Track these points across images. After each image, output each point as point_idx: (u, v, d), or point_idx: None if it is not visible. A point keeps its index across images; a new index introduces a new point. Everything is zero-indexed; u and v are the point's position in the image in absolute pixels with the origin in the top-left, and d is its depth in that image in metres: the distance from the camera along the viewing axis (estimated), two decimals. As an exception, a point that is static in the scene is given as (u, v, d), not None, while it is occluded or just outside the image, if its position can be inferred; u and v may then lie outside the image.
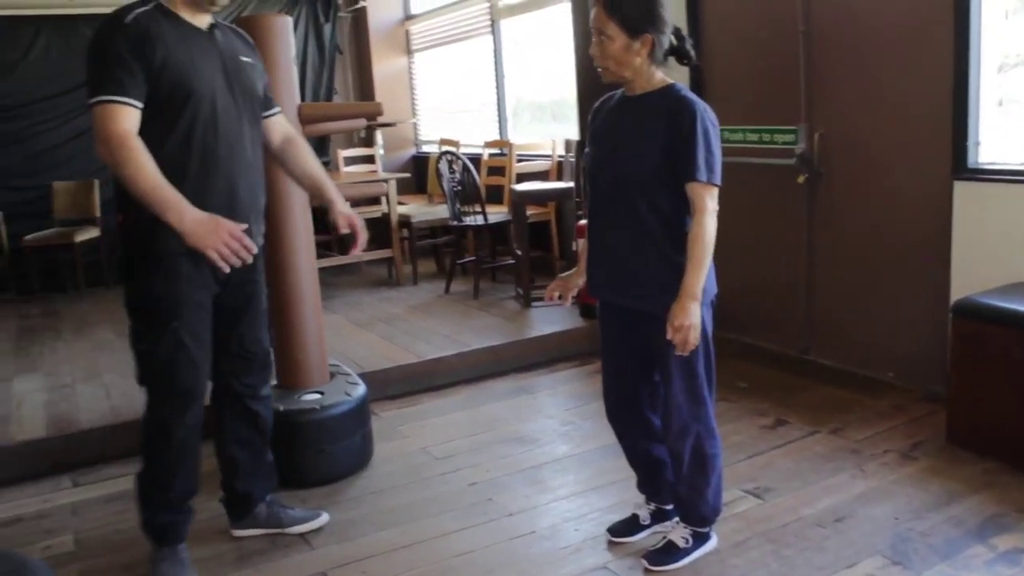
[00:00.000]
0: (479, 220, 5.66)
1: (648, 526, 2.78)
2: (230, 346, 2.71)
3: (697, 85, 4.84)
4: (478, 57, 7.05)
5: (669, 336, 2.30)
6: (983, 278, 3.51)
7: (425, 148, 8.04)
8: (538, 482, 3.27)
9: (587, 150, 2.59)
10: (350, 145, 7.96)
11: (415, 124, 8.21)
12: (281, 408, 3.34)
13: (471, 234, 6.15)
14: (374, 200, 6.66)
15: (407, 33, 8.08)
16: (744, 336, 4.84)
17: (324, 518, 3.03)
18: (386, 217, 6.37)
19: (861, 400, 3.86)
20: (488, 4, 6.69)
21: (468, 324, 5.08)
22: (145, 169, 2.26)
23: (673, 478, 2.66)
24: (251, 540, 2.96)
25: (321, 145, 7.94)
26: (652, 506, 2.79)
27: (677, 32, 2.41)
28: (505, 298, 5.67)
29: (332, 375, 3.70)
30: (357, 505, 3.19)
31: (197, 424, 2.62)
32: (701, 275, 2.31)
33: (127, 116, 2.27)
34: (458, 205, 5.72)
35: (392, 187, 6.27)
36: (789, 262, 4.50)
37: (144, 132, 2.31)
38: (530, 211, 5.81)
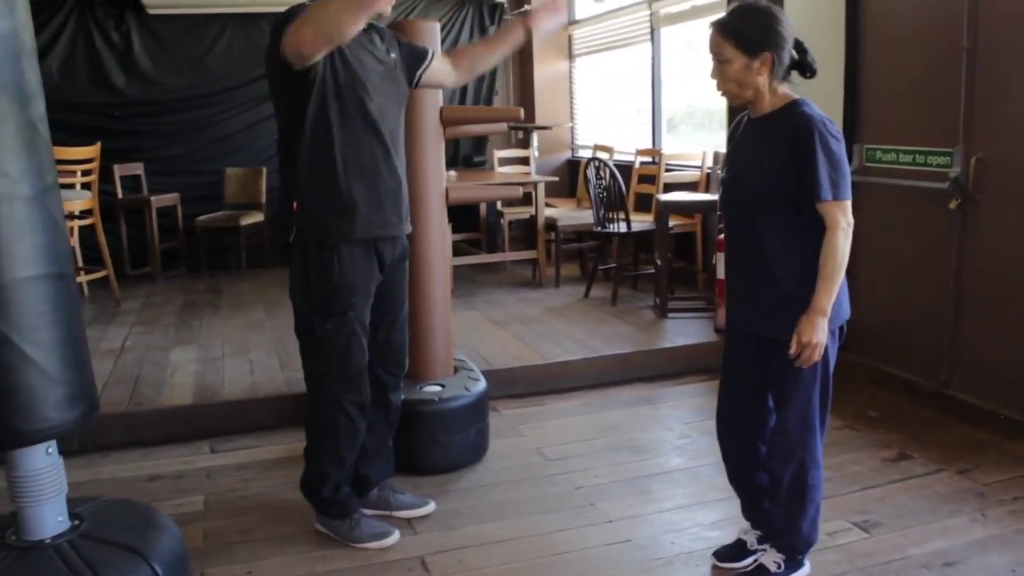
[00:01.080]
0: (622, 227, 5.68)
1: (754, 552, 2.73)
2: (378, 334, 2.90)
3: (852, 101, 4.71)
4: (637, 64, 7.06)
5: (793, 350, 2.29)
6: None
7: (581, 153, 8.11)
8: (644, 492, 3.29)
9: (721, 175, 2.59)
10: (507, 146, 8.12)
11: (572, 128, 8.28)
12: (402, 397, 3.50)
13: (615, 240, 6.17)
14: (525, 201, 6.77)
15: (570, 38, 8.17)
16: (883, 364, 4.66)
17: (431, 507, 3.16)
18: (533, 219, 6.48)
19: (999, 442, 3.65)
20: (649, 12, 6.68)
21: (601, 330, 5.12)
22: None
23: (770, 503, 2.63)
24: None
25: (478, 145, 8.16)
26: (758, 532, 2.75)
27: (799, 46, 2.38)
28: (643, 307, 5.67)
29: (456, 369, 3.83)
30: (465, 496, 3.30)
31: (367, 403, 2.86)
32: (831, 292, 2.29)
33: None
34: (603, 211, 5.76)
35: (540, 189, 6.37)
36: (935, 290, 4.30)
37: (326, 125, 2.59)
38: (675, 221, 5.78)
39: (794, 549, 2.58)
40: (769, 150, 2.35)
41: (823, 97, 4.53)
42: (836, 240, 2.28)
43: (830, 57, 4.68)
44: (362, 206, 2.66)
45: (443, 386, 3.61)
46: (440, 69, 2.96)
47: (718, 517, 3.05)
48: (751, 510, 2.75)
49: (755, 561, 2.65)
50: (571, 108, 8.25)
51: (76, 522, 2.53)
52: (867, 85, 4.66)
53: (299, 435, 3.79)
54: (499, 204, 7.40)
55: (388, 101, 2.72)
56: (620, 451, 3.68)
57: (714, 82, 2.41)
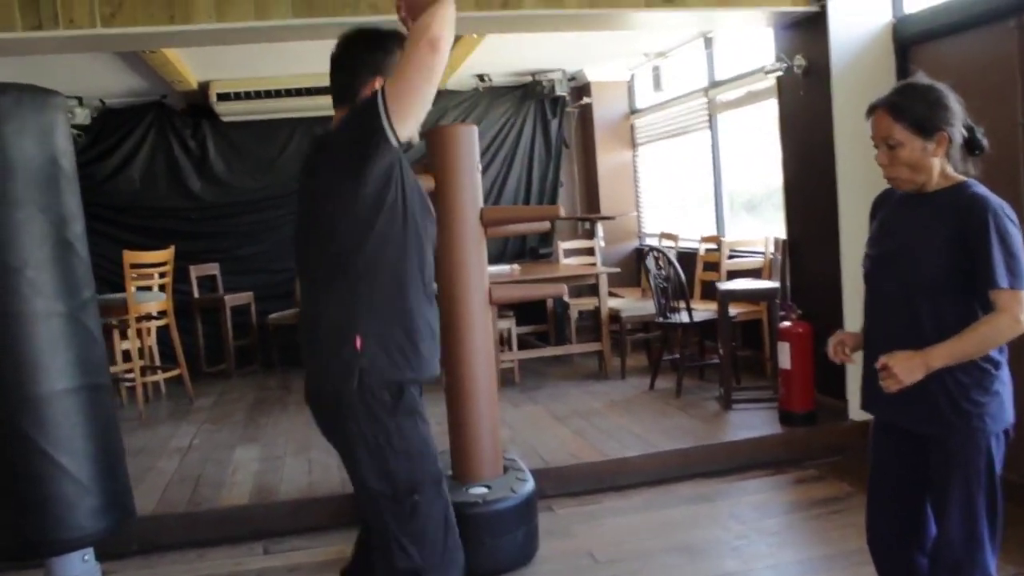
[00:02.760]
0: (684, 317, 5.58)
1: None
2: None
3: None
4: (697, 151, 7.04)
5: (878, 364, 2.11)
6: None
7: (648, 240, 8.05)
8: (697, 599, 3.14)
9: (866, 251, 2.41)
10: (574, 237, 8.13)
11: (638, 217, 8.26)
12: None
13: (680, 330, 6.05)
14: (590, 292, 6.72)
15: (632, 127, 8.21)
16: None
17: None
18: (599, 310, 6.42)
19: None
20: (706, 99, 6.68)
21: (663, 423, 4.99)
22: None
23: None
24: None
25: (545, 237, 8.18)
26: None
27: (968, 126, 2.22)
28: (708, 398, 5.52)
29: (506, 469, 3.76)
30: (509, 603, 3.20)
31: None
32: (956, 356, 2.08)
33: None
34: (664, 301, 5.68)
35: (603, 280, 6.33)
36: None
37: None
38: (739, 309, 5.66)
39: None
40: (936, 231, 2.18)
41: (1001, 178, 4.43)
42: (1000, 322, 2.07)
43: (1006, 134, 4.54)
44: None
45: (489, 487, 3.54)
46: None
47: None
48: None
49: None
50: (636, 197, 8.24)
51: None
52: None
53: (348, 536, 3.79)
54: (565, 296, 7.36)
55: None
56: (673, 553, 3.53)
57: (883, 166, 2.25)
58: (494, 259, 7.60)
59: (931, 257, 2.17)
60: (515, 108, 8.18)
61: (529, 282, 6.03)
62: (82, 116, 7.16)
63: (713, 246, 6.47)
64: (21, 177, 2.34)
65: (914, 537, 2.35)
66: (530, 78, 7.95)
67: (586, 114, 8.32)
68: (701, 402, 5.44)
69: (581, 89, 8.29)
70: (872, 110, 2.23)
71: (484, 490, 3.52)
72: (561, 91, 7.97)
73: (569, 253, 7.61)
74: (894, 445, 2.34)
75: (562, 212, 3.60)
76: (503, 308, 6.43)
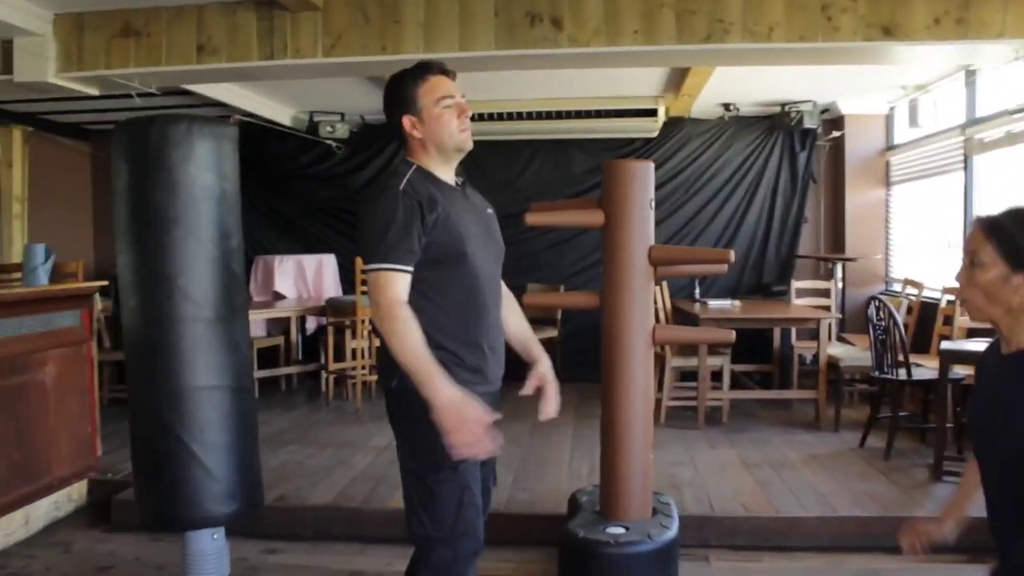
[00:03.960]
0: (902, 374, 5.15)
1: None
2: None
3: None
4: (952, 193, 6.45)
5: None
6: None
7: (895, 286, 7.49)
8: None
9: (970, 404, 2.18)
10: (815, 276, 7.74)
11: (885, 260, 7.70)
12: (580, 534, 3.43)
13: (899, 387, 5.58)
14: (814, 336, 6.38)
15: (887, 164, 7.66)
16: None
17: None
18: (817, 356, 6.08)
19: None
20: (962, 137, 6.11)
21: (857, 486, 4.63)
22: (409, 339, 2.29)
23: None
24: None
25: (783, 274, 7.86)
26: None
27: None
28: (920, 464, 5.05)
29: (655, 512, 3.67)
30: (623, 652, 3.13)
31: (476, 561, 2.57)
32: None
33: (399, 283, 2.33)
34: (881, 353, 5.28)
35: (824, 324, 5.99)
36: None
37: (424, 289, 2.39)
38: (966, 371, 5.12)
39: None
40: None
41: None
42: None
43: None
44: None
45: (628, 528, 3.47)
46: None
47: None
48: None
49: None
50: (886, 239, 7.68)
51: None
52: None
53: (498, 554, 3.90)
54: (793, 338, 7.03)
55: (486, 256, 2.60)
56: (819, 629, 3.29)
57: (957, 285, 2.03)
58: (728, 293, 7.48)
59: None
60: (762, 139, 7.93)
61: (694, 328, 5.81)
62: (342, 131, 7.82)
63: (953, 298, 5.92)
64: (183, 198, 2.64)
65: None
66: (779, 108, 7.67)
67: (838, 148, 7.89)
68: (910, 468, 4.99)
69: (834, 122, 7.89)
70: (974, 222, 1.97)
71: (621, 531, 3.46)
72: (811, 123, 7.61)
73: (803, 293, 7.25)
74: None
75: (732, 257, 3.44)
76: (717, 345, 6.25)
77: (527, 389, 2.68)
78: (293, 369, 7.51)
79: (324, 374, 7.10)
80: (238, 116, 6.77)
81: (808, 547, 4.06)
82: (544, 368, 2.72)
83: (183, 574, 2.81)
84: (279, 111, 7.64)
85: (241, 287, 2.85)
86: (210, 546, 2.80)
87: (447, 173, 2.55)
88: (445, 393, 2.25)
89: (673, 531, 3.51)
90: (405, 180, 2.41)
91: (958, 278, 1.99)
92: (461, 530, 2.45)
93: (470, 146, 2.54)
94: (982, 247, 1.91)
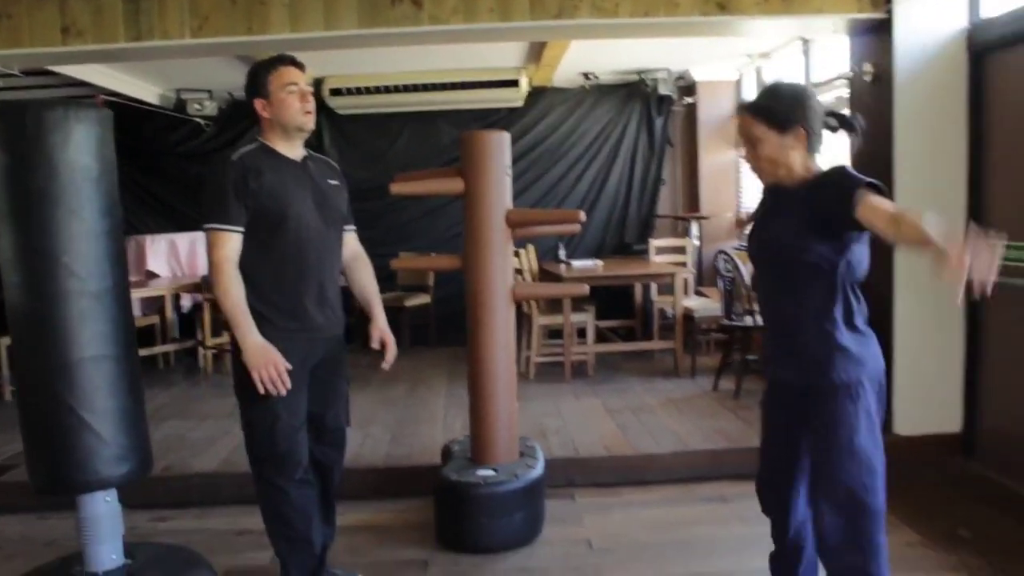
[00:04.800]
0: (748, 321, 5.61)
1: None
2: (312, 420, 3.08)
3: (976, 196, 4.48)
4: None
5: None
6: None
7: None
8: (668, 592, 3.28)
9: (748, 234, 2.65)
10: (672, 235, 8.20)
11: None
12: (452, 477, 3.72)
13: (744, 333, 6.05)
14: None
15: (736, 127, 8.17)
16: (1007, 479, 4.30)
17: None
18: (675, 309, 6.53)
19: (1096, 576, 3.30)
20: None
21: (708, 424, 5.07)
22: (231, 293, 2.80)
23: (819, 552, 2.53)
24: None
25: (642, 233, 8.30)
26: None
27: (835, 115, 2.43)
28: (765, 402, 5.54)
29: (522, 455, 3.99)
30: (493, 579, 3.44)
31: (309, 482, 3.03)
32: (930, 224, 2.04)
33: (229, 242, 2.82)
34: (730, 303, 5.73)
35: (679, 279, 6.43)
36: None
37: (253, 247, 2.85)
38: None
39: None
40: (801, 207, 2.35)
41: (944, 190, 4.43)
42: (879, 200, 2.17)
43: (951, 147, 4.50)
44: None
45: (496, 471, 3.77)
46: (347, 243, 3.25)
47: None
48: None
49: None
50: (738, 197, 8.21)
51: (129, 561, 2.99)
52: (992, 179, 4.41)
53: (378, 506, 4.13)
54: (654, 293, 7.47)
55: (316, 220, 2.99)
56: (669, 547, 3.66)
57: (748, 162, 2.49)
58: (592, 253, 7.86)
59: (797, 230, 2.33)
60: (621, 106, 8.31)
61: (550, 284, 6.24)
62: (210, 108, 7.83)
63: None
64: (63, 180, 2.77)
65: (800, 488, 2.56)
66: (636, 77, 8.05)
67: (691, 113, 8.35)
68: (756, 405, 5.40)
69: (687, 88, 8.33)
70: (736, 112, 2.42)
71: (491, 473, 3.76)
72: (666, 90, 8.05)
73: (662, 251, 7.69)
74: (781, 400, 2.55)
75: (583, 217, 3.77)
76: (581, 300, 6.60)
77: (373, 343, 3.25)
78: (170, 347, 7.51)
79: (202, 350, 7.16)
80: (103, 96, 6.71)
81: (664, 480, 4.46)
82: (380, 324, 3.28)
83: (79, 539, 2.94)
84: (145, 90, 7.56)
85: (123, 261, 3.00)
86: (104, 509, 2.95)
87: (290, 149, 2.97)
88: (251, 339, 2.79)
89: (539, 470, 3.84)
90: (239, 153, 2.87)
91: (745, 159, 2.45)
92: (281, 451, 2.91)
93: (311, 126, 2.96)
94: (753, 127, 2.37)
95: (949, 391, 4.60)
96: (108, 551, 2.97)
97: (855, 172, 2.28)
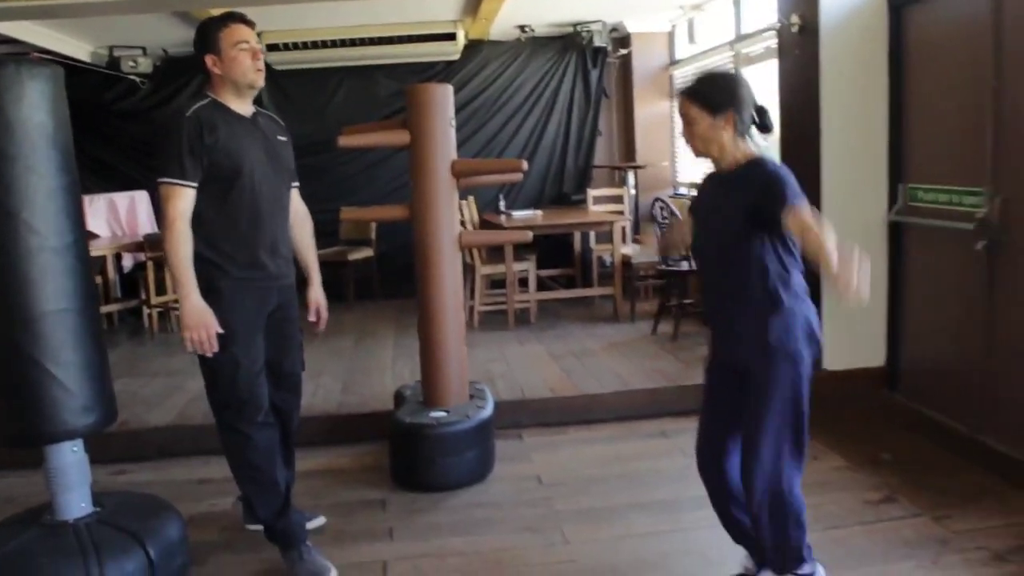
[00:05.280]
0: (684, 266, 5.83)
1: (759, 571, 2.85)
2: (271, 366, 3.20)
3: (896, 140, 4.71)
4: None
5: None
6: None
7: (682, 191, 8.24)
8: (615, 519, 3.48)
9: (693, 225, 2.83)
10: (610, 185, 8.38)
11: (672, 167, 8.44)
12: (406, 420, 3.88)
13: (690, 279, 6.29)
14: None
15: (671, 78, 8.34)
16: (925, 407, 4.60)
17: (320, 520, 3.54)
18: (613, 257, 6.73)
19: (1002, 491, 3.57)
20: (732, 52, 6.81)
21: (648, 365, 5.30)
22: (180, 251, 2.86)
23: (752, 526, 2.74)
24: (348, 526, 3.53)
25: (580, 183, 8.46)
26: (753, 559, 2.87)
27: (759, 108, 2.64)
28: (701, 343, 5.77)
29: (472, 397, 4.15)
30: (450, 512, 3.61)
31: (270, 424, 3.14)
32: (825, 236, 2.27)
33: (182, 197, 2.88)
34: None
35: (617, 227, 6.62)
36: (970, 334, 4.23)
37: (208, 199, 2.92)
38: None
39: (795, 566, 2.69)
40: (735, 196, 2.55)
41: (869, 136, 4.65)
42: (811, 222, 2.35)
43: (873, 94, 4.72)
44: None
45: (448, 412, 3.93)
46: (291, 200, 3.29)
47: (671, 549, 3.21)
48: (741, 537, 2.89)
49: None
50: (672, 147, 8.41)
51: (98, 509, 3.07)
52: (911, 123, 4.65)
53: (334, 451, 4.26)
54: (592, 241, 7.66)
55: (268, 174, 3.07)
56: (614, 480, 3.87)
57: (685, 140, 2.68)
58: (532, 203, 8.01)
59: (732, 218, 2.53)
60: (557, 58, 8.40)
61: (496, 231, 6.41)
62: (145, 65, 7.72)
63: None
64: (19, 137, 2.81)
65: (734, 458, 2.74)
66: (571, 29, 8.15)
67: (626, 64, 8.49)
68: (693, 346, 5.71)
69: (622, 40, 8.46)
70: (678, 95, 2.66)
71: (443, 414, 3.92)
72: (601, 42, 8.16)
73: (599, 200, 7.87)
74: (720, 377, 2.75)
75: (525, 166, 3.91)
76: (522, 250, 6.77)
77: (310, 313, 3.39)
78: (113, 307, 7.48)
79: (146, 309, 7.16)
80: (36, 54, 6.59)
81: (607, 419, 4.68)
82: (316, 290, 3.42)
83: (48, 489, 3.02)
84: (77, 47, 7.42)
85: (81, 217, 3.04)
86: (71, 459, 3.02)
87: (241, 105, 3.03)
88: (191, 299, 2.88)
89: (488, 411, 4.02)
90: (193, 108, 2.91)
91: (683, 135, 2.66)
92: (243, 397, 3.03)
93: (261, 83, 3.03)
94: (690, 109, 2.60)
95: (874, 328, 4.87)
96: (77, 499, 3.04)
97: (788, 180, 2.47)
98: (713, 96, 2.56)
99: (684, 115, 2.61)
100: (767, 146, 2.74)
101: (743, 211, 2.50)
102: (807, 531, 2.68)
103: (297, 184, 3.37)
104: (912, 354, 4.77)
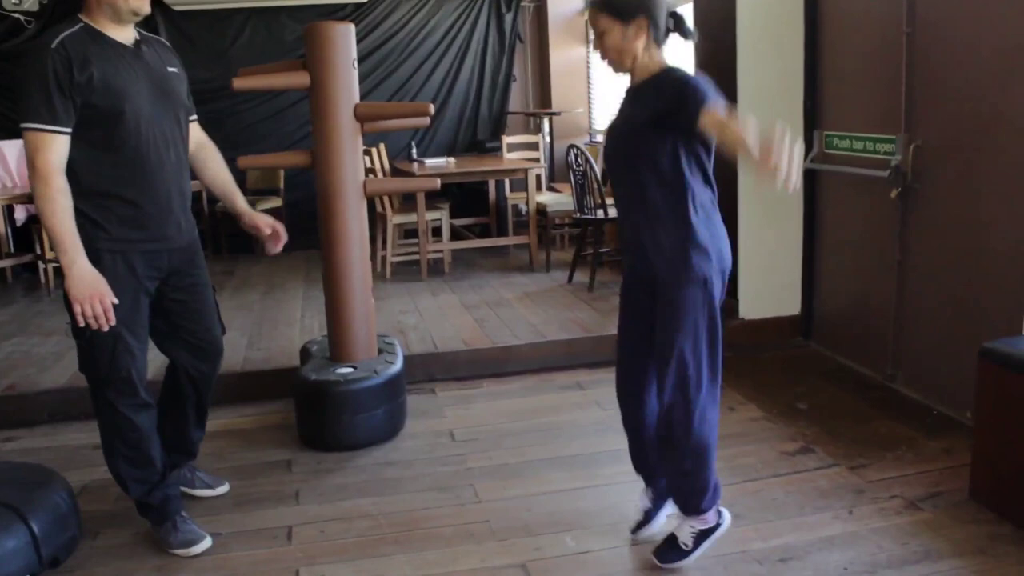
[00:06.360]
0: (600, 213, 5.73)
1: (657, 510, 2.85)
2: (181, 336, 2.95)
3: (812, 87, 4.65)
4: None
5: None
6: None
7: (599, 138, 8.14)
8: (528, 475, 3.38)
9: (605, 135, 2.71)
10: (526, 131, 8.22)
11: (588, 113, 8.31)
12: (312, 377, 3.70)
13: (606, 227, 6.20)
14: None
15: (586, 23, 8.18)
16: (839, 355, 4.62)
17: (224, 487, 3.33)
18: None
19: (914, 438, 3.59)
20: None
21: (564, 315, 5.20)
22: (58, 209, 2.48)
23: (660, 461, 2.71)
24: (252, 489, 3.34)
25: (495, 131, 8.28)
26: (653, 493, 2.85)
27: (674, 15, 2.49)
28: (616, 292, 5.68)
29: (381, 352, 3.99)
30: (358, 473, 3.46)
31: (149, 404, 2.85)
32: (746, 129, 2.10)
33: (54, 146, 2.47)
34: (581, 197, 5.83)
35: (532, 175, 6.48)
36: (883, 281, 4.24)
37: (83, 146, 2.53)
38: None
39: (698, 503, 2.66)
40: (644, 108, 2.43)
41: (785, 83, 4.58)
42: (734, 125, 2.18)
43: (789, 42, 4.64)
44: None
45: (356, 368, 3.77)
46: (191, 134, 2.96)
47: (586, 506, 3.12)
48: (642, 463, 2.85)
49: (669, 534, 2.75)
50: (588, 92, 8.27)
51: (-26, 481, 2.82)
52: (826, 71, 4.60)
53: (238, 410, 4.07)
54: (507, 190, 7.51)
55: (157, 112, 2.71)
56: (528, 435, 3.77)
57: (598, 56, 2.54)
58: (445, 151, 7.81)
59: (640, 130, 2.43)
60: (469, 2, 8.15)
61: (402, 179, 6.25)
62: (30, 2, 7.21)
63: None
64: None
65: (651, 378, 2.68)
66: (484, -30, 7.93)
67: (541, 9, 8.31)
68: (609, 295, 5.63)
69: (537, -17, 8.26)
70: (585, 5, 2.46)
71: (350, 370, 3.75)
72: (516, -15, 7.95)
73: (514, 147, 7.71)
74: (634, 293, 2.67)
75: (432, 110, 3.72)
76: (435, 199, 6.59)
77: (265, 231, 3.12)
78: (6, 263, 7.04)
79: (42, 264, 6.76)
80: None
81: (522, 371, 4.58)
82: (250, 211, 3.14)
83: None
84: (-49, -17, 6.91)
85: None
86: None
87: (121, 32, 2.62)
88: (78, 266, 2.51)
89: (398, 366, 3.86)
90: (59, 38, 2.47)
91: (596, 50, 2.51)
92: (124, 374, 2.71)
93: (146, 9, 2.62)
94: (599, 19, 2.45)
95: (789, 277, 4.86)
96: (-48, 471, 2.82)
97: (702, 82, 2.34)
98: (622, 2, 2.41)
99: (594, 26, 2.47)
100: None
101: (649, 119, 2.40)
102: (714, 470, 2.66)
103: (195, 117, 3.01)
104: (827, 302, 4.77)
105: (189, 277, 2.91)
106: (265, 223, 3.09)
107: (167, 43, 2.92)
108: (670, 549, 2.70)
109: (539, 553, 2.80)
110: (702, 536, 2.70)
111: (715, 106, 2.27)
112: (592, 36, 2.51)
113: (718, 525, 2.73)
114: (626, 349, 2.74)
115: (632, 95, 2.55)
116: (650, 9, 2.41)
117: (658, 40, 2.45)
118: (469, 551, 2.83)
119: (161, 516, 2.91)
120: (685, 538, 2.69)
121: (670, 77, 2.41)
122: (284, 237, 3.13)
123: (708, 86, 2.33)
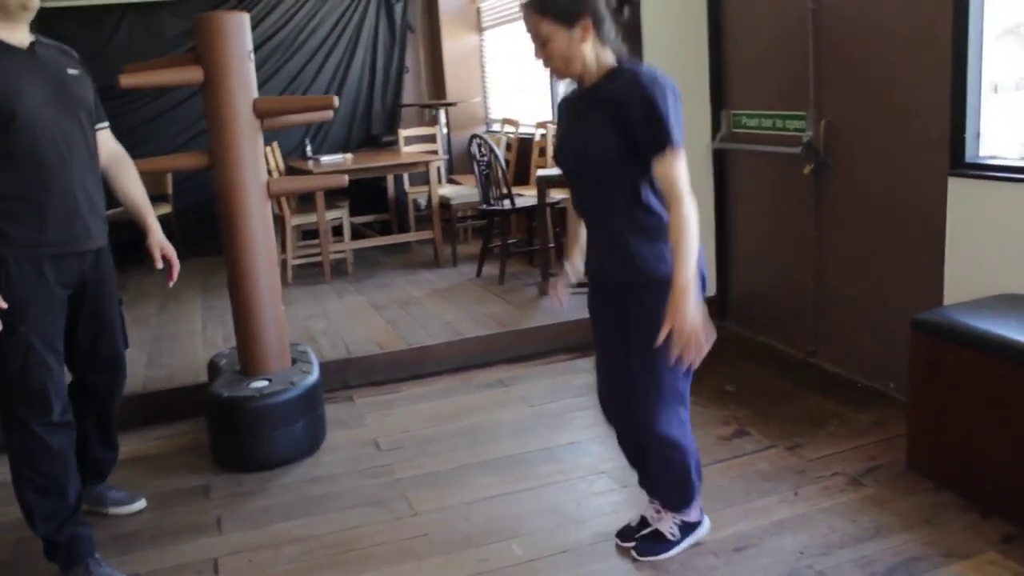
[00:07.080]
0: (507, 204, 5.60)
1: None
2: (83, 346, 2.77)
3: (717, 67, 4.63)
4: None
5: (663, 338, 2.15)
6: (977, 286, 3.22)
7: (495, 127, 8.00)
8: (461, 481, 3.23)
9: (556, 145, 2.52)
10: (422, 123, 8.02)
11: (484, 103, 8.17)
12: (224, 394, 3.45)
13: (503, 217, 6.06)
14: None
15: (478, 11, 8.03)
16: (758, 334, 4.62)
17: (140, 504, 3.17)
18: (430, 199, 6.41)
19: (844, 413, 3.60)
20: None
21: (478, 310, 5.05)
22: None
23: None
24: (169, 520, 3.09)
25: (390, 124, 8.06)
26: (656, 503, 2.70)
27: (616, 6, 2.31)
28: (531, 284, 5.60)
29: (294, 362, 3.77)
30: (281, 492, 3.24)
31: (67, 424, 2.64)
32: (690, 262, 2.16)
33: None
34: (487, 188, 5.68)
35: (433, 167, 6.30)
36: (799, 258, 4.24)
37: None
38: (562, 195, 5.68)
39: (681, 499, 2.59)
40: (600, 116, 2.24)
41: (690, 64, 4.54)
42: (680, 207, 2.18)
43: (694, 23, 4.60)
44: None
45: (270, 380, 3.54)
46: (102, 144, 2.82)
47: (526, 509, 2.98)
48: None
49: (652, 528, 2.66)
50: (483, 82, 8.13)
51: None
52: (731, 50, 4.57)
53: (145, 434, 3.80)
54: (406, 184, 7.31)
55: (55, 117, 2.57)
56: (455, 438, 3.62)
57: (541, 63, 2.30)
58: (340, 147, 7.54)
59: (599, 141, 2.24)
60: (356, -4, 7.90)
61: (306, 176, 5.97)
62: None
63: (545, 131, 6.47)
64: None
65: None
66: (371, -42, 7.67)
67: (431, -3, 8.11)
68: (522, 288, 5.52)
69: (424, -30, 8.05)
70: (522, 12, 2.28)
71: (265, 383, 3.52)
72: (403, -28, 7.73)
73: (411, 140, 7.50)
74: (603, 300, 2.53)
75: (336, 103, 3.52)
76: (334, 197, 6.35)
77: (157, 263, 2.94)
78: None
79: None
80: None
81: (441, 371, 4.41)
82: (158, 237, 3.00)
83: None
84: None
85: None
86: None
87: (12, 33, 2.50)
88: None
89: (315, 376, 3.65)
90: None
91: (537, 57, 2.29)
92: (36, 388, 2.53)
93: (36, 4, 2.49)
94: (541, 25, 2.22)
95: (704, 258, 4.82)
96: None
97: (669, 108, 2.16)
98: (563, 3, 2.19)
99: (535, 34, 2.23)
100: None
101: (610, 127, 2.21)
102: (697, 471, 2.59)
103: (106, 124, 2.87)
104: (742, 282, 4.76)
105: (96, 285, 2.76)
106: (158, 257, 2.99)
107: (69, 48, 2.76)
108: (655, 542, 2.62)
109: (487, 565, 2.65)
110: (687, 528, 2.63)
111: (673, 154, 2.16)
112: (533, 43, 2.27)
113: (700, 523, 2.67)
114: (603, 360, 2.61)
115: (587, 98, 2.31)
116: (592, 5, 2.21)
117: (604, 36, 2.25)
118: (411, 569, 2.67)
119: (70, 558, 2.65)
120: (671, 529, 2.62)
121: (634, 85, 2.19)
122: (174, 273, 3.05)
123: (674, 112, 2.17)
